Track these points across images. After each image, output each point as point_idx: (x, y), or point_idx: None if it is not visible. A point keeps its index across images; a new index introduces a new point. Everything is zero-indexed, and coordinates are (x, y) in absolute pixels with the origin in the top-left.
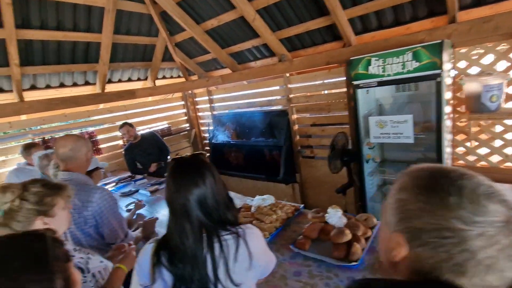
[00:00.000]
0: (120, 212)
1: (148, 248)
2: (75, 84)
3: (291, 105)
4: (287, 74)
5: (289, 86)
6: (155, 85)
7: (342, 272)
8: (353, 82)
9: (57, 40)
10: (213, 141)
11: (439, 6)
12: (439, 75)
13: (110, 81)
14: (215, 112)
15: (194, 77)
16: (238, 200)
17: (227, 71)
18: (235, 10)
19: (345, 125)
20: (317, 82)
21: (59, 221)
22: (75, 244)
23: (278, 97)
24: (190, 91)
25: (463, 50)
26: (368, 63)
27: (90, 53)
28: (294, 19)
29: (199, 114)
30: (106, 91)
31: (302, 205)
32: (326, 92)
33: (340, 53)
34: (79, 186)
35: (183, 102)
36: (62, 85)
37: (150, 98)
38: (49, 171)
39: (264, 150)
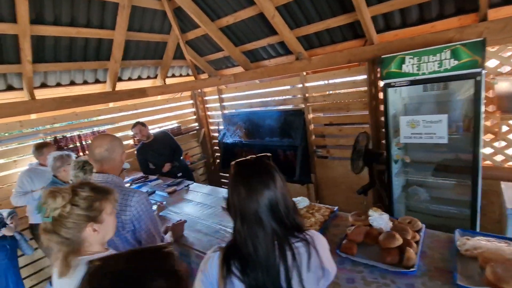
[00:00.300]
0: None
1: (215, 257)
2: (85, 82)
3: (308, 104)
4: (304, 73)
5: (306, 85)
6: (165, 83)
7: (398, 278)
8: (384, 80)
9: (70, 37)
10: (223, 141)
11: (468, 4)
12: (479, 73)
13: (120, 79)
14: (225, 111)
15: (203, 76)
16: None
17: (238, 69)
18: (253, 6)
19: (365, 125)
20: (337, 80)
21: (107, 227)
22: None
23: (293, 96)
24: (199, 90)
25: (493, 49)
26: (402, 61)
27: (101, 51)
28: (315, 16)
29: (208, 113)
30: (116, 89)
31: (336, 207)
32: (340, 91)
33: (363, 51)
34: (116, 189)
35: (192, 101)
36: (72, 83)
37: (159, 97)
38: (65, 174)
39: (277, 150)
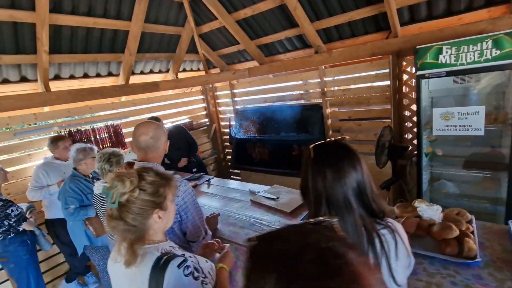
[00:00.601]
0: None
1: None
2: (98, 75)
3: (326, 98)
4: (323, 67)
5: (325, 79)
6: (177, 77)
7: (461, 269)
8: (418, 72)
9: (86, 27)
10: (236, 136)
11: None
12: None
13: (132, 73)
14: (237, 107)
15: (214, 70)
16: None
17: (252, 63)
18: None
19: (386, 120)
20: (361, 74)
21: (169, 215)
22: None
23: (306, 91)
24: (210, 85)
25: None
26: (439, 51)
27: (116, 43)
28: (337, 8)
29: (219, 108)
30: (129, 83)
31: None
32: (361, 86)
33: (388, 43)
34: None
35: (202, 96)
36: (85, 76)
37: (170, 92)
38: (85, 167)
39: (293, 145)
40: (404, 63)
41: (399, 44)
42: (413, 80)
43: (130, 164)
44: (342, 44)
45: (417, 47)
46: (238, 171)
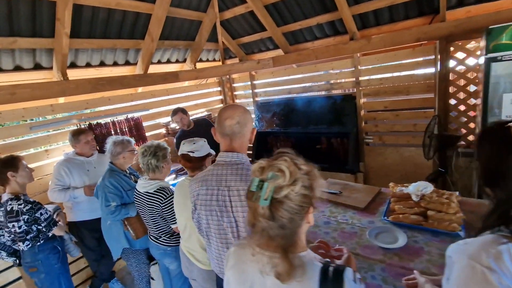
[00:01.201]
0: None
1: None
2: (115, 64)
3: (360, 88)
4: (358, 55)
5: (360, 68)
6: (195, 67)
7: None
8: (489, 54)
9: (108, 8)
10: (258, 130)
11: None
12: None
13: (150, 62)
14: (258, 98)
15: (231, 61)
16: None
17: (273, 53)
18: None
19: (428, 109)
20: (402, 62)
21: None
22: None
23: (342, 80)
24: (227, 76)
25: None
26: None
27: (137, 28)
28: None
29: (237, 101)
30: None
31: (457, 192)
32: (401, 74)
33: (437, 28)
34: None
35: (219, 88)
36: (102, 64)
37: (186, 83)
38: (123, 161)
39: (321, 138)
40: (452, 49)
41: (450, 28)
42: (460, 67)
43: (185, 157)
44: (378, 30)
45: (490, 27)
46: None
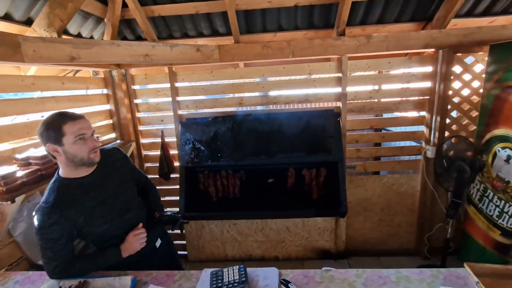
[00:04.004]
0: None
1: None
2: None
3: (347, 102)
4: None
5: (351, 74)
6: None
7: None
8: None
9: None
10: (186, 164)
11: None
12: None
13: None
14: (184, 112)
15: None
16: None
17: (211, 41)
18: None
19: (419, 127)
20: (397, 72)
21: None
22: None
23: (321, 91)
24: (123, 71)
25: None
26: None
27: None
28: None
29: (139, 115)
30: None
31: None
32: (392, 87)
33: (447, 34)
34: None
35: (105, 91)
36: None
37: (32, 69)
38: None
39: (294, 170)
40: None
41: (459, 37)
42: (457, 82)
43: None
44: (362, 31)
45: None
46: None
